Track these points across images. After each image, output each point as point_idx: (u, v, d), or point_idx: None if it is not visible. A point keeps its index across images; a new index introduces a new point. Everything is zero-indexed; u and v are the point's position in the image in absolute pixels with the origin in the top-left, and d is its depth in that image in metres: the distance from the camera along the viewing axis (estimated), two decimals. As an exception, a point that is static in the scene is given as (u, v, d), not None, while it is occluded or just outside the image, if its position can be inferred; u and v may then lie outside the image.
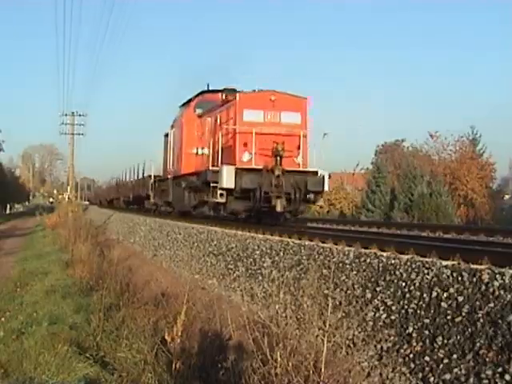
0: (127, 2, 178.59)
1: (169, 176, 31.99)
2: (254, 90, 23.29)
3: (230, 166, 21.24)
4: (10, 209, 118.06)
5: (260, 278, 14.21)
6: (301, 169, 22.27)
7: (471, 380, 7.37)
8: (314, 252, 12.85)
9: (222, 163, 21.79)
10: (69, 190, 79.31)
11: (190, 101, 30.42)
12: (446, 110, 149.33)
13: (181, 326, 10.13)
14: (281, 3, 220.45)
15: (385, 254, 10.89)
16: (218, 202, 22.12)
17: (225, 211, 23.07)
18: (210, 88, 29.67)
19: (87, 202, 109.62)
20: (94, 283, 16.49)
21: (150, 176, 38.19)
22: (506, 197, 62.28)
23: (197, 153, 26.66)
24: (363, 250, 11.59)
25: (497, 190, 58.43)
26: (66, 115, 75.27)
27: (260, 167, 21.36)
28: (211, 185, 21.77)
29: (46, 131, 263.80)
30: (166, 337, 9.89)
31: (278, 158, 21.24)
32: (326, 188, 22.34)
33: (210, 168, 22.43)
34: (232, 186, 20.96)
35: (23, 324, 12.46)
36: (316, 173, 22.33)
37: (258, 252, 15.43)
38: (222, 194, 21.45)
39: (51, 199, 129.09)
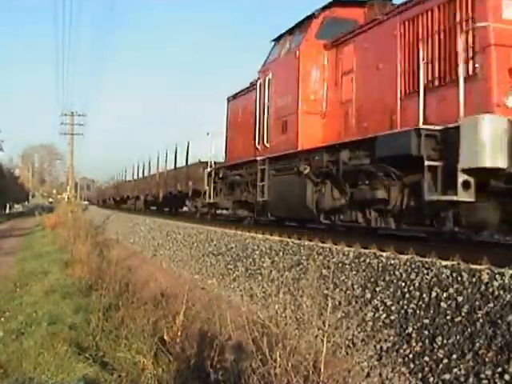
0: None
1: (258, 157, 19.20)
2: None
3: (498, 118, 10.30)
4: (10, 209, 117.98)
5: (259, 278, 14.19)
6: None
7: (471, 380, 7.37)
8: (313, 252, 12.85)
9: (464, 112, 10.59)
10: (68, 189, 79.32)
11: (306, 22, 17.71)
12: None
13: (180, 326, 10.16)
14: None
15: (384, 254, 10.88)
16: (452, 202, 10.82)
17: (457, 223, 11.38)
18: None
19: (87, 202, 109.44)
20: (94, 283, 16.45)
21: (204, 163, 27.09)
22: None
23: (324, 111, 16.71)
24: (363, 250, 11.57)
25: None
26: (65, 115, 75.45)
27: None
28: (427, 164, 11.07)
29: (45, 131, 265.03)
30: (165, 337, 9.90)
31: None
32: None
33: (422, 126, 11.32)
34: (502, 165, 10.11)
35: (23, 324, 12.45)
36: None
37: (257, 252, 15.42)
38: (466, 184, 10.37)
39: (50, 199, 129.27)
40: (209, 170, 24.79)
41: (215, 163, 24.88)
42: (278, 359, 7.37)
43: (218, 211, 28.04)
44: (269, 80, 18.96)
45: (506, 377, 6.98)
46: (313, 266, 11.39)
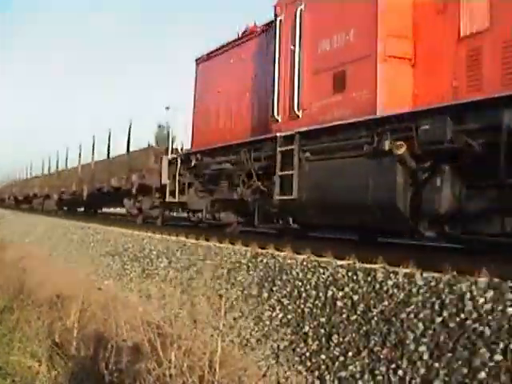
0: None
1: (279, 134, 12.78)
2: None
3: None
4: None
5: (157, 278, 14.11)
6: None
7: (366, 377, 7.46)
8: (210, 252, 12.81)
9: None
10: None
11: None
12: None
13: (75, 328, 9.99)
14: None
15: (281, 253, 10.90)
16: None
17: None
18: None
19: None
20: (-14, 285, 16.06)
21: (156, 149, 21.50)
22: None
23: (414, 55, 10.51)
24: (260, 250, 11.56)
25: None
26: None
27: None
28: None
29: None
30: (57, 339, 9.74)
31: None
32: None
33: None
34: None
35: None
36: None
37: (154, 252, 15.33)
38: None
39: None
40: (170, 157, 18.48)
41: (180, 149, 18.54)
42: (173, 360, 7.33)
43: (174, 214, 22.07)
44: (300, 13, 12.52)
45: (400, 372, 7.08)
46: (209, 266, 11.36)
